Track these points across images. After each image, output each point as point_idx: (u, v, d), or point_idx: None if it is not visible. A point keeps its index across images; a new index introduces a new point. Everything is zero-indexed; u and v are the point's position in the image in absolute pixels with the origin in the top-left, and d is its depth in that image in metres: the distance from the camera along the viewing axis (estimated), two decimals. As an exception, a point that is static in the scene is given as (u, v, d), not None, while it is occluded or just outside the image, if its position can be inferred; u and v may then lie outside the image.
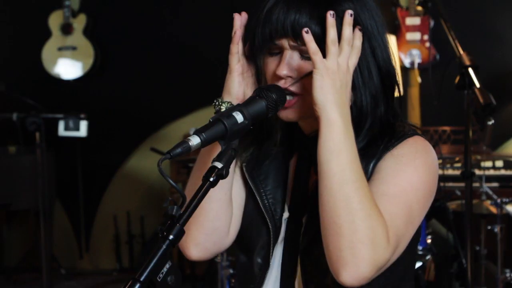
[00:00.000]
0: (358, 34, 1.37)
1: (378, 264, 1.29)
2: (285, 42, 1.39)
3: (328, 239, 1.32)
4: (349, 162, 1.32)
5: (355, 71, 1.39)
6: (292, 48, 1.39)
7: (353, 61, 1.37)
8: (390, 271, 1.40)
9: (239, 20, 1.45)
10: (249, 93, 1.46)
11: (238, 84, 1.45)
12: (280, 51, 1.41)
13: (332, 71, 1.33)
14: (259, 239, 1.52)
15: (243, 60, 1.47)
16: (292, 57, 1.39)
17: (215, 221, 1.48)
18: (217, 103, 1.42)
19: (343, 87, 1.35)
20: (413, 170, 1.39)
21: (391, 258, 1.33)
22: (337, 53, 1.34)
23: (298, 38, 1.36)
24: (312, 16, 1.36)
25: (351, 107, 1.40)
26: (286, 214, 1.51)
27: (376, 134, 1.43)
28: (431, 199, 1.44)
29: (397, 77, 1.46)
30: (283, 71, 1.38)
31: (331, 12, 1.34)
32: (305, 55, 1.38)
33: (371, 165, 1.42)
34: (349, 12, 1.36)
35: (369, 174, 1.40)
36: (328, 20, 1.34)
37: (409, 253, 1.48)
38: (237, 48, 1.45)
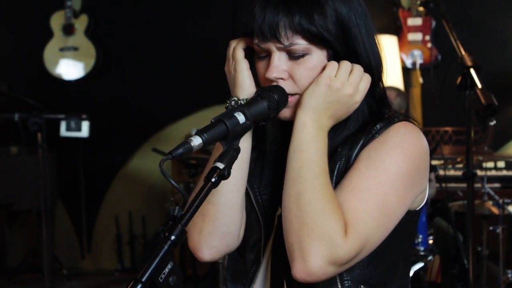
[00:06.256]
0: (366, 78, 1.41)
1: (333, 260, 1.29)
2: (271, 45, 1.39)
3: (284, 233, 1.36)
4: (308, 161, 1.35)
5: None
6: (279, 49, 1.39)
7: (364, 85, 1.40)
8: (378, 263, 1.41)
9: None
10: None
11: (249, 79, 1.45)
12: (267, 54, 1.41)
13: (335, 87, 1.37)
14: (252, 236, 1.53)
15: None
16: (280, 59, 1.40)
17: (230, 226, 1.49)
18: (232, 102, 1.42)
19: (335, 104, 1.38)
20: (393, 159, 1.37)
21: (358, 254, 1.33)
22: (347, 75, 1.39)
23: (280, 40, 1.37)
24: (288, 16, 1.36)
25: None
26: (280, 211, 1.50)
27: (367, 120, 1.44)
28: (417, 189, 1.42)
29: (379, 66, 1.47)
30: (273, 74, 1.39)
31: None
32: (293, 55, 1.39)
33: (355, 152, 1.42)
34: None
35: (351, 162, 1.41)
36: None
37: (401, 248, 1.48)
38: (242, 42, 1.46)
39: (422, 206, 1.50)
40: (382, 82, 1.49)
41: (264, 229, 1.51)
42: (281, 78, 1.40)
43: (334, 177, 1.42)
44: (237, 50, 1.46)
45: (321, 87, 1.37)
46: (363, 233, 1.32)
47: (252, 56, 1.46)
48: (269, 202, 1.51)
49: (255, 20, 1.39)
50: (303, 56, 1.39)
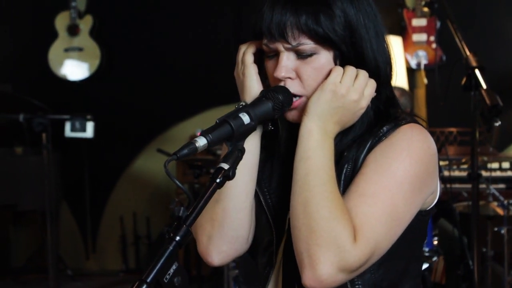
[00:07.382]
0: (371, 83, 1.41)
1: (342, 267, 1.29)
2: (279, 45, 1.39)
3: (293, 241, 1.35)
4: (315, 168, 1.34)
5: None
6: (287, 49, 1.39)
7: (369, 90, 1.40)
8: (389, 266, 1.41)
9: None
10: None
11: (258, 84, 1.45)
12: (276, 54, 1.42)
13: (340, 93, 1.36)
14: (264, 238, 1.52)
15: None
16: (288, 58, 1.40)
17: (239, 230, 1.49)
18: (240, 107, 1.40)
19: (341, 110, 1.37)
20: (400, 163, 1.36)
21: (368, 260, 1.32)
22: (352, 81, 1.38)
23: (288, 40, 1.37)
24: (295, 16, 1.36)
25: None
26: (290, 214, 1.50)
27: (372, 121, 1.44)
28: (427, 191, 1.41)
29: (387, 67, 1.46)
30: (281, 73, 1.39)
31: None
32: (301, 55, 1.39)
33: (362, 155, 1.41)
34: None
35: (358, 165, 1.41)
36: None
37: (412, 249, 1.48)
38: (252, 46, 1.47)
39: (433, 206, 1.48)
40: (390, 84, 1.48)
41: (276, 232, 1.50)
42: (289, 78, 1.40)
43: (342, 181, 1.41)
44: (247, 54, 1.46)
45: (326, 93, 1.37)
46: (372, 238, 1.31)
47: (262, 60, 1.46)
48: (279, 205, 1.50)
49: (263, 20, 1.39)
50: (310, 55, 1.39)
